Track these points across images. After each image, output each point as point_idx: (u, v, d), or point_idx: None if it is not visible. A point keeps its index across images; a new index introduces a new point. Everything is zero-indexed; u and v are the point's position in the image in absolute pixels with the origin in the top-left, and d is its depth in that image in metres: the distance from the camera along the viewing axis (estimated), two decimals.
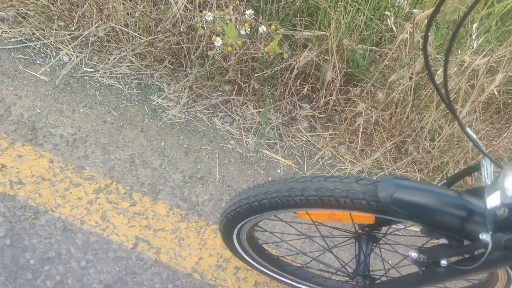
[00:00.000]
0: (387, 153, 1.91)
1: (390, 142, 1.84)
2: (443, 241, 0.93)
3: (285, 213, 1.21)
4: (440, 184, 1.00)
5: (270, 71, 1.76)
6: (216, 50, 1.76)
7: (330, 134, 1.98)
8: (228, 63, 1.88)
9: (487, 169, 0.87)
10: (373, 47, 1.72)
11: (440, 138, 1.77)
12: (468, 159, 1.76)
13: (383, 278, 1.24)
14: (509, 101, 1.87)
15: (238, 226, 1.19)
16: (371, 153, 1.92)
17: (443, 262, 0.91)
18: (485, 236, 0.79)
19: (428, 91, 1.75)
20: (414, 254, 0.96)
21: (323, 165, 1.92)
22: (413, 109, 1.77)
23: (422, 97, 1.79)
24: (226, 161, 1.89)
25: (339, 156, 1.94)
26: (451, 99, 0.78)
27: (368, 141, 1.94)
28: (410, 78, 1.70)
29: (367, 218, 1.02)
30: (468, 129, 0.84)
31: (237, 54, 1.74)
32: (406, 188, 0.87)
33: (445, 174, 1.79)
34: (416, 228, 1.43)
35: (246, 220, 1.14)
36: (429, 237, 0.94)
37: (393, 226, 1.26)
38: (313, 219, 1.09)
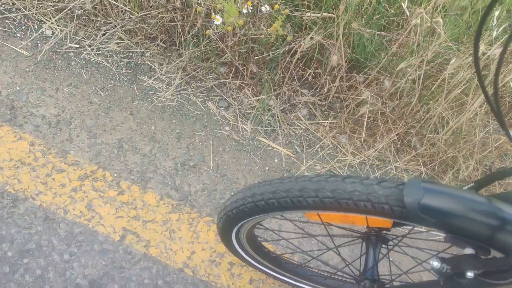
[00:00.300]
0: (390, 144, 1.82)
1: (394, 133, 1.75)
2: (468, 250, 0.84)
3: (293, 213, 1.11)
4: (466, 188, 0.91)
5: (272, 54, 1.65)
6: (214, 29, 1.63)
7: (330, 123, 1.88)
8: (226, 44, 1.75)
9: None
10: (382, 32, 1.61)
11: (447, 130, 1.68)
12: (476, 154, 1.68)
13: (394, 284, 1.16)
14: None
15: (239, 225, 1.09)
16: (373, 144, 1.83)
17: (470, 274, 0.83)
18: None
19: (437, 81, 1.66)
20: (436, 264, 0.87)
21: (323, 156, 1.82)
22: (420, 99, 1.68)
23: (430, 87, 1.69)
24: (220, 149, 1.78)
25: (339, 146, 1.84)
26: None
27: (370, 131, 1.85)
28: (419, 67, 1.60)
29: (385, 222, 0.93)
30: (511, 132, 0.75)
31: (238, 35, 1.61)
32: (435, 193, 0.78)
33: (455, 171, 1.71)
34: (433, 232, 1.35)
35: (248, 219, 1.04)
36: (454, 245, 0.85)
37: (407, 228, 1.18)
38: (323, 220, 0.99)
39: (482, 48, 1.43)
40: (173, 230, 1.54)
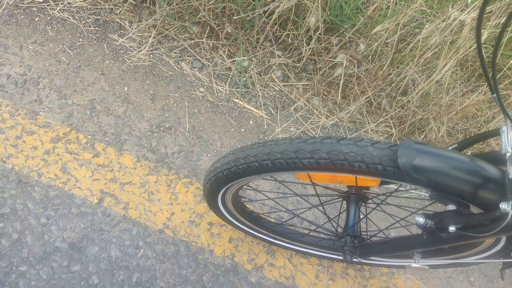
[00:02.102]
0: (362, 107, 1.87)
1: (366, 95, 1.79)
2: (451, 207, 0.90)
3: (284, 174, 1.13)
4: (450, 149, 0.96)
5: (252, 14, 1.62)
6: None
7: (303, 85, 1.90)
8: (200, 2, 1.71)
9: (508, 137, 0.83)
10: None
11: (417, 92, 1.74)
12: (444, 116, 1.76)
13: (374, 239, 1.23)
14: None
15: (228, 186, 1.10)
16: (346, 106, 1.87)
17: (452, 229, 0.89)
18: (505, 206, 0.77)
19: (409, 45, 1.70)
20: (421, 220, 0.93)
21: (297, 118, 1.85)
22: (392, 62, 1.72)
23: (402, 51, 1.73)
24: (196, 110, 1.76)
25: (313, 108, 1.87)
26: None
27: (342, 93, 1.88)
28: (394, 31, 1.63)
29: (373, 181, 0.97)
30: (500, 96, 0.79)
31: None
32: (427, 154, 0.82)
33: (424, 132, 1.79)
34: (418, 190, 1.42)
35: (238, 181, 1.05)
36: (438, 202, 0.91)
37: (387, 186, 1.24)
38: (313, 180, 1.02)
39: (455, 13, 1.48)
40: (152, 192, 1.53)
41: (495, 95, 0.79)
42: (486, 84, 1.73)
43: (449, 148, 0.98)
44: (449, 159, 0.83)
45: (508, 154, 0.80)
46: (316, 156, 0.88)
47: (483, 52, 0.71)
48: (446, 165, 0.82)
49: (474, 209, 0.90)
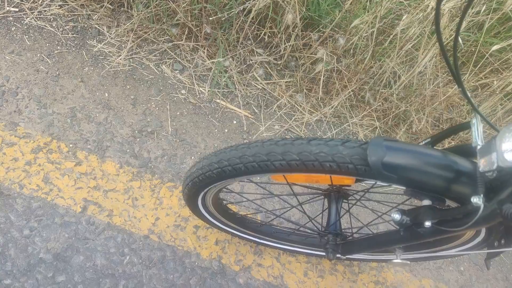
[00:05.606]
0: (345, 101, 1.86)
1: (348, 90, 1.78)
2: (426, 202, 0.90)
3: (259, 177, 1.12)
4: (424, 143, 0.96)
5: (228, 14, 1.61)
6: None
7: (286, 82, 1.89)
8: (177, 4, 1.69)
9: (478, 130, 0.83)
10: None
11: (399, 85, 1.73)
12: (426, 107, 1.75)
13: (356, 236, 1.22)
14: (465, 48, 1.86)
15: (205, 190, 1.09)
16: (329, 101, 1.87)
17: (428, 224, 0.89)
18: (476, 199, 0.76)
19: (389, 37, 1.69)
20: (397, 216, 0.93)
21: (280, 116, 1.84)
22: (373, 55, 1.71)
23: (382, 44, 1.73)
24: (178, 113, 1.75)
25: (296, 105, 1.86)
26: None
27: (325, 89, 1.87)
28: (372, 24, 1.62)
29: (348, 180, 0.96)
30: (466, 90, 0.78)
31: None
32: (396, 150, 0.81)
33: (407, 124, 1.78)
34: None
35: (215, 185, 1.04)
36: (413, 198, 0.91)
37: (367, 183, 1.23)
38: (289, 181, 1.02)
39: (432, 3, 1.47)
40: (136, 197, 1.53)
41: (460, 88, 0.79)
42: (466, 73, 1.73)
43: (422, 143, 0.97)
44: (419, 154, 0.82)
45: (478, 147, 0.80)
46: (287, 158, 0.87)
47: (446, 50, 0.70)
48: (416, 161, 0.81)
49: (451, 203, 0.90)
